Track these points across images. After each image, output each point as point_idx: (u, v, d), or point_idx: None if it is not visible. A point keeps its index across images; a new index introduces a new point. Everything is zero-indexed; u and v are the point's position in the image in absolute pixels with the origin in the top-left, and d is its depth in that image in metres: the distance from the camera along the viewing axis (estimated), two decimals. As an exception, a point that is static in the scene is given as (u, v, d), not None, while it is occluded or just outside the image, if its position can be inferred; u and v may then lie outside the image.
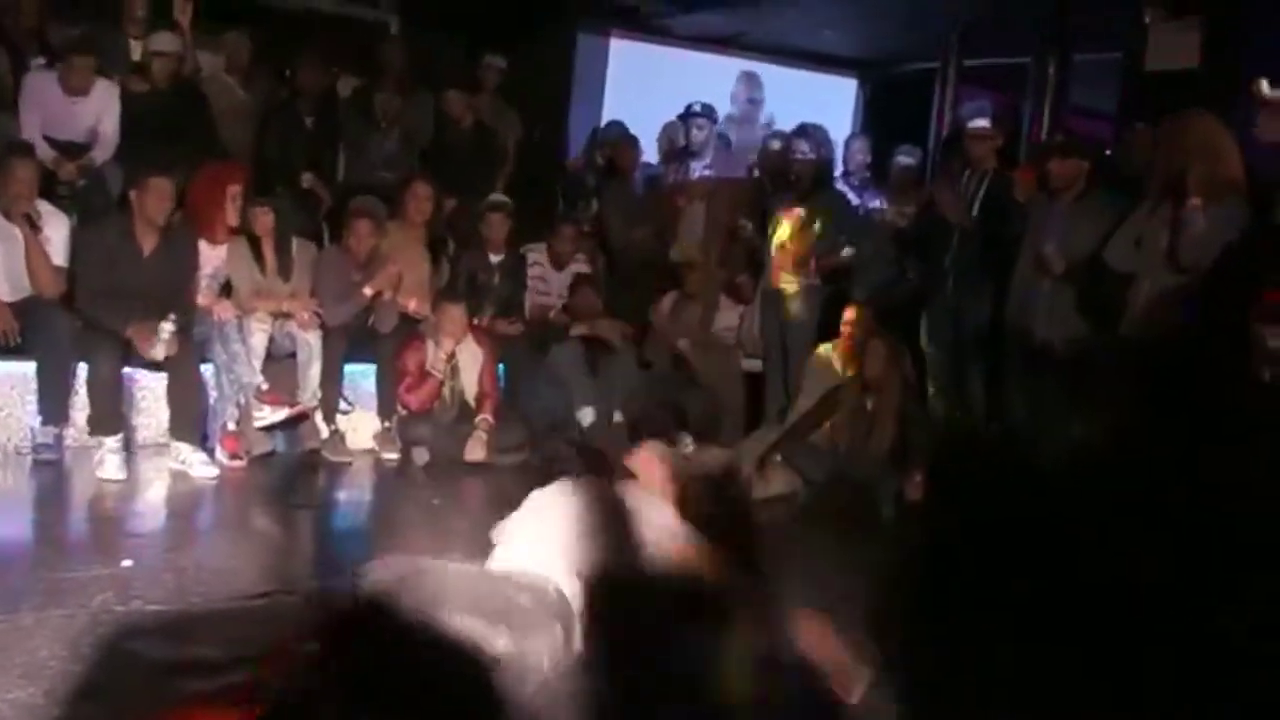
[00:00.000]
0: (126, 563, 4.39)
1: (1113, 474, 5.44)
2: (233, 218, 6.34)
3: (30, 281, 5.83)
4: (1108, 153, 7.17)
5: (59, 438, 5.81)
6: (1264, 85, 5.46)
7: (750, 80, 8.87)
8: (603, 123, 8.96)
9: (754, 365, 7.49)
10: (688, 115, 8.33)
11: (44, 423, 5.77)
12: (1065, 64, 8.51)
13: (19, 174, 5.78)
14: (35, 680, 3.24)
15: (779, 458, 6.31)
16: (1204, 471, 5.03)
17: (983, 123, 6.78)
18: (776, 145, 7.92)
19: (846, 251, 7.27)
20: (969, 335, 6.71)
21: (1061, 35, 8.48)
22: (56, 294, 5.88)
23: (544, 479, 6.08)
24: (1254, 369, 4.77)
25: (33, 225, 5.79)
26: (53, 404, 5.77)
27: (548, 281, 7.52)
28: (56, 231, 5.94)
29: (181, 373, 5.91)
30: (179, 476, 5.75)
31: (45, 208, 5.97)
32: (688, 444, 6.66)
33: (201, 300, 6.21)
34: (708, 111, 8.35)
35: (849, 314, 6.90)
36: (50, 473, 5.62)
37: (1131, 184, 6.00)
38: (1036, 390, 6.32)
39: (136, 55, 7.22)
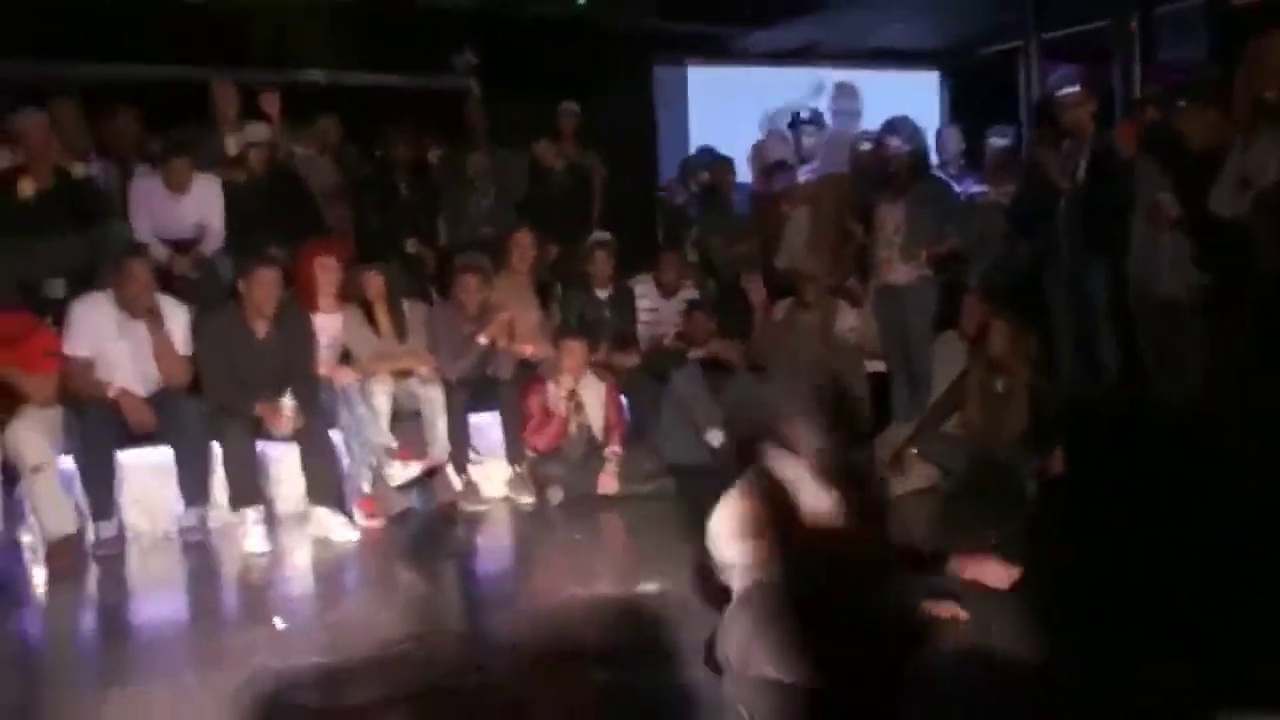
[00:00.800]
0: (280, 624, 4.44)
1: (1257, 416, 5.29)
2: (327, 289, 6.51)
3: (160, 372, 5.98)
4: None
5: (203, 518, 5.92)
6: None
7: (846, 92, 8.79)
8: (691, 148, 9.00)
9: (876, 366, 7.38)
10: (796, 124, 8.32)
11: (187, 505, 5.89)
12: (1148, 19, 8.34)
13: (136, 273, 5.95)
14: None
15: (914, 451, 6.20)
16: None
17: (1073, 89, 6.66)
18: (866, 146, 7.85)
19: (954, 238, 7.15)
20: (1091, 301, 6.55)
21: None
22: (184, 382, 6.04)
23: (679, 505, 6.16)
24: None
25: (155, 318, 5.95)
26: (193, 486, 5.89)
27: (659, 311, 7.53)
28: (177, 322, 6.10)
29: (312, 442, 6.01)
30: (321, 543, 5.81)
31: (165, 301, 6.13)
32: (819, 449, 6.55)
33: (322, 370, 6.33)
34: (816, 118, 8.34)
35: (967, 301, 6.79)
36: (198, 552, 5.73)
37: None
38: (1169, 347, 6.15)
39: (232, 150, 7.41)
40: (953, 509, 5.70)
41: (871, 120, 8.33)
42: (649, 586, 4.59)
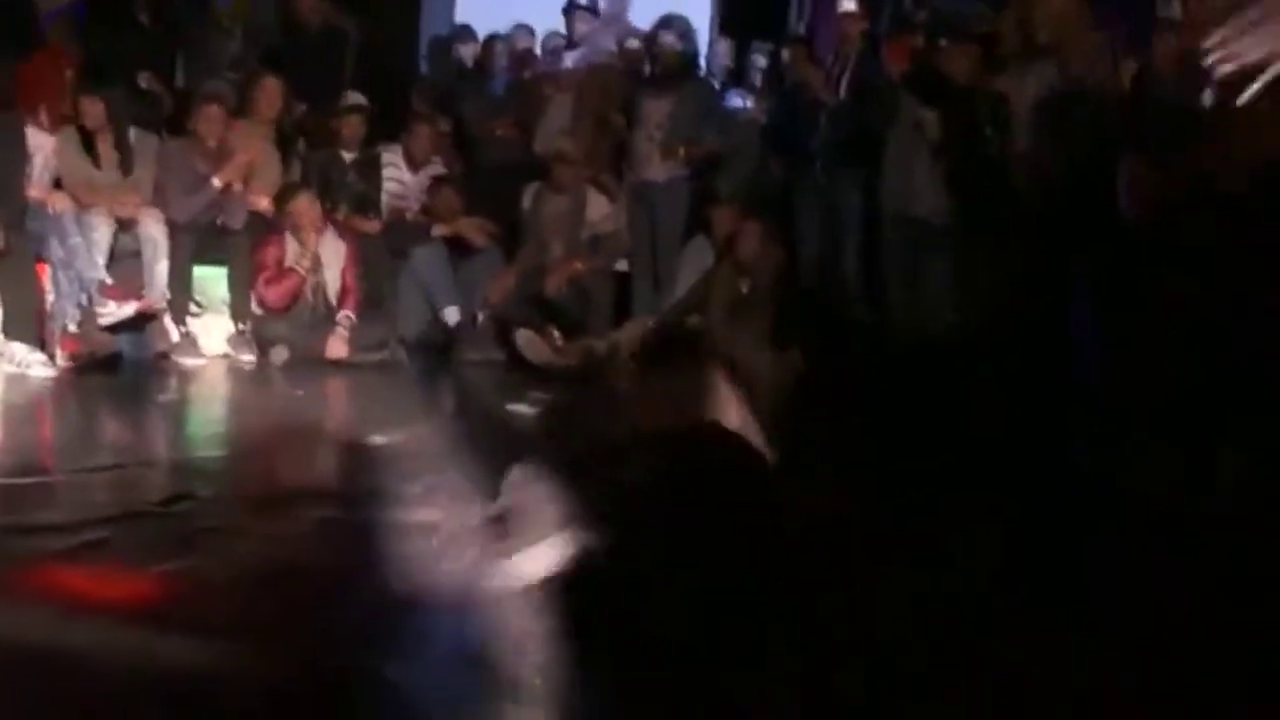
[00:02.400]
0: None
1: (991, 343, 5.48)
2: (52, 103, 6.04)
3: None
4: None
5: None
6: None
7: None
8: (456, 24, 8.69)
9: (619, 264, 7.30)
10: (571, 8, 8.10)
11: None
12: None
13: None
14: None
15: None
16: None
17: (851, 4, 6.72)
18: (635, 44, 7.73)
19: (714, 141, 7.13)
20: (841, 218, 6.63)
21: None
22: None
23: (409, 375, 5.97)
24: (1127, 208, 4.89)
25: None
26: None
27: (404, 184, 7.20)
28: None
29: (14, 267, 5.52)
30: (14, 379, 5.32)
31: None
32: (555, 337, 6.46)
33: (33, 192, 5.81)
34: (591, 5, 8.12)
35: (719, 210, 6.77)
36: None
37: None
38: (915, 268, 6.28)
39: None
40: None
41: (640, 17, 8.19)
42: (375, 439, 4.36)
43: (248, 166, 6.33)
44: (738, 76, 8.19)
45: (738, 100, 7.97)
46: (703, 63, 8.08)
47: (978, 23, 6.40)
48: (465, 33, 8.43)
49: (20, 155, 5.76)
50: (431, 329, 6.69)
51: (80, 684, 2.25)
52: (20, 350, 5.43)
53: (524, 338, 6.32)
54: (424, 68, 8.71)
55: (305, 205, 6.26)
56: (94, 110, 6.05)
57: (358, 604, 2.83)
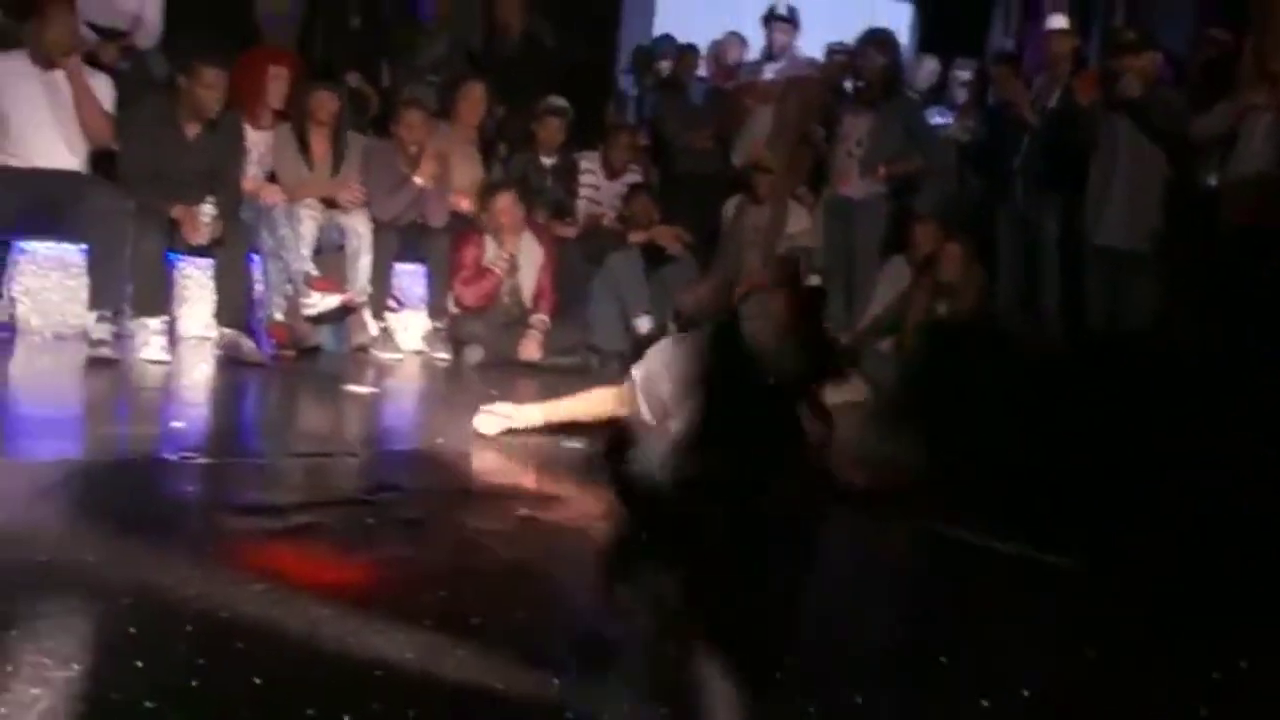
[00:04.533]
0: (177, 424, 4.15)
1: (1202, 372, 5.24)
2: (275, 100, 6.21)
3: (82, 129, 5.58)
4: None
5: (115, 332, 5.38)
6: None
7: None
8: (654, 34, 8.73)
9: (812, 280, 7.20)
10: (771, 18, 8.09)
11: (95, 308, 5.29)
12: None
13: (57, 17, 5.50)
14: (94, 517, 2.96)
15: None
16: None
17: (1062, 21, 6.53)
18: (841, 58, 7.66)
19: (918, 160, 7.00)
20: (1041, 240, 6.46)
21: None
22: (107, 141, 5.67)
23: (600, 381, 5.95)
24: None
25: (77, 65, 5.54)
26: (106, 288, 5.34)
27: (600, 190, 7.26)
28: (101, 87, 5.70)
29: (229, 257, 5.67)
30: (224, 364, 5.48)
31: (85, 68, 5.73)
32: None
33: (248, 185, 6.00)
34: (791, 15, 8.09)
35: (919, 227, 6.62)
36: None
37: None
38: (1118, 298, 6.07)
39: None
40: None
41: (835, 37, 8.12)
42: (571, 443, 4.35)
43: (445, 161, 6.43)
44: (938, 93, 8.05)
45: (938, 118, 7.82)
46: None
47: (1205, 47, 6.17)
48: (666, 43, 8.46)
49: (239, 150, 5.94)
50: (622, 338, 6.68)
51: (287, 664, 2.28)
52: (231, 336, 5.60)
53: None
54: (622, 79, 8.74)
55: (509, 204, 6.31)
56: (332, 106, 6.25)
57: (558, 602, 2.83)
